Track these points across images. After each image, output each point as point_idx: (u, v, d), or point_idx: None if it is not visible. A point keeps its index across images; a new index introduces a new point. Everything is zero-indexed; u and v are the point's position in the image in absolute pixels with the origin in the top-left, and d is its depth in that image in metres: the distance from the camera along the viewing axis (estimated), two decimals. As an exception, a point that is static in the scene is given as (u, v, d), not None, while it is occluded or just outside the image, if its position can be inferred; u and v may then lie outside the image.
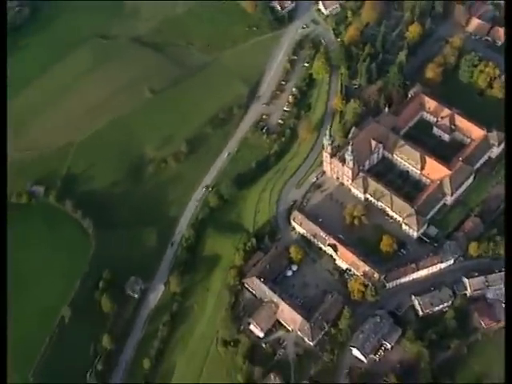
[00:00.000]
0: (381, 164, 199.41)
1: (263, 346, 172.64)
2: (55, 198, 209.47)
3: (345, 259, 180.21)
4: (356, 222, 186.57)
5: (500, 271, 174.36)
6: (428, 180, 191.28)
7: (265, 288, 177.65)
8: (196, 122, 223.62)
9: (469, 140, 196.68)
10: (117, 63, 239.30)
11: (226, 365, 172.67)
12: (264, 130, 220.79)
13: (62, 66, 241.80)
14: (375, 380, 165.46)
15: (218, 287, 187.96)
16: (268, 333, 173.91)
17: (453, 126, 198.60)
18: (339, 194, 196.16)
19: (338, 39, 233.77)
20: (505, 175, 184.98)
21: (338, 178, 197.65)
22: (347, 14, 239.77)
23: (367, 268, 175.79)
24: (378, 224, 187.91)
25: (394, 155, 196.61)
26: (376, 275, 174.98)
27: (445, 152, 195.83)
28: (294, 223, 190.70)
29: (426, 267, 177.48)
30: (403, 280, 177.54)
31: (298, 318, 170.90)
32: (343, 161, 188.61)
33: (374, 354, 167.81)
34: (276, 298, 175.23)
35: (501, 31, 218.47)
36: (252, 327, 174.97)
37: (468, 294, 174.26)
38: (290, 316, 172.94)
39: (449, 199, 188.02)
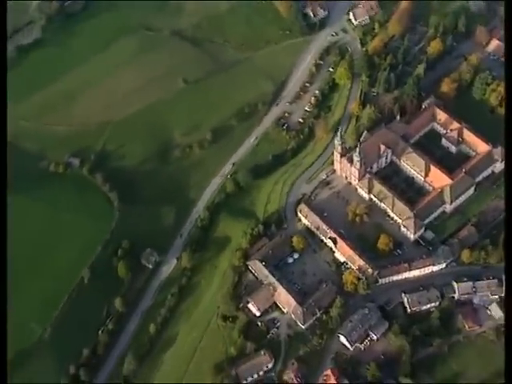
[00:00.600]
0: (388, 168, 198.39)
1: (258, 324, 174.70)
2: (88, 171, 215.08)
3: (343, 252, 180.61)
4: (358, 219, 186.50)
5: (488, 279, 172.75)
6: (431, 187, 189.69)
7: (266, 271, 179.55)
8: (222, 114, 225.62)
9: (474, 153, 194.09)
10: (157, 53, 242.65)
11: (223, 337, 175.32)
12: (284, 127, 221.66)
13: (108, 52, 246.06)
14: (358, 367, 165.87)
15: (224, 266, 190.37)
16: (264, 313, 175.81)
17: (460, 139, 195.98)
18: (346, 192, 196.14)
19: (364, 48, 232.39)
20: (504, 183, 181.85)
21: (346, 177, 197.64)
22: (375, 25, 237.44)
23: (362, 263, 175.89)
24: (379, 223, 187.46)
25: (402, 161, 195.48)
26: (370, 270, 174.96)
27: (450, 163, 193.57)
28: (300, 215, 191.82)
29: (418, 268, 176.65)
30: (395, 278, 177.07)
31: (293, 302, 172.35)
32: (351, 161, 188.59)
33: (360, 343, 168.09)
34: (275, 282, 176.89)
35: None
36: (250, 306, 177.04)
37: (456, 297, 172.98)
38: (285, 299, 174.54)
39: (448, 207, 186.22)
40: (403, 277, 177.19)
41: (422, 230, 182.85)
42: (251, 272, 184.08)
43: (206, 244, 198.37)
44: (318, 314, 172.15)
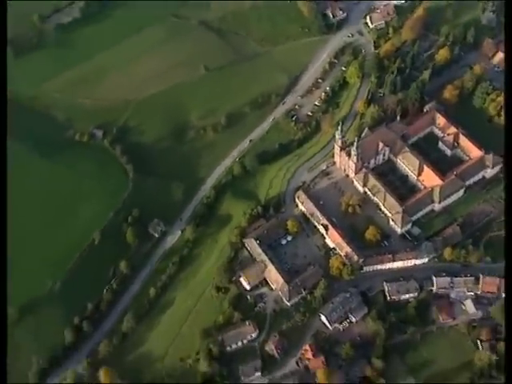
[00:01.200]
0: (385, 165, 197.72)
1: (248, 297, 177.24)
2: (109, 143, 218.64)
3: (333, 239, 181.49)
4: (350, 209, 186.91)
5: (466, 276, 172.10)
6: (422, 186, 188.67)
7: (259, 249, 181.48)
8: (238, 101, 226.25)
9: (467, 158, 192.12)
10: (183, 40, 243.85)
11: (214, 306, 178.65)
12: (293, 118, 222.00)
13: (138, 37, 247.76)
14: (335, 346, 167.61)
15: (224, 242, 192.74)
16: (254, 287, 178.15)
17: (456, 144, 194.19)
18: (343, 184, 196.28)
19: (376, 51, 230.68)
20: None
21: (344, 170, 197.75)
22: (389, 30, 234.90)
23: (349, 250, 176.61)
24: (370, 215, 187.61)
25: (398, 159, 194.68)
26: (356, 258, 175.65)
27: (444, 165, 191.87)
28: (297, 201, 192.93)
29: (401, 260, 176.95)
30: (379, 267, 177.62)
31: (281, 280, 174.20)
32: (349, 155, 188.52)
33: (339, 324, 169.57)
34: (266, 260, 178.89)
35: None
36: (242, 280, 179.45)
37: (433, 291, 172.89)
38: (275, 277, 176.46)
39: (437, 206, 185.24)
40: (387, 267, 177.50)
41: (410, 226, 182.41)
42: (246, 249, 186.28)
43: (209, 220, 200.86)
44: (303, 294, 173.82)
